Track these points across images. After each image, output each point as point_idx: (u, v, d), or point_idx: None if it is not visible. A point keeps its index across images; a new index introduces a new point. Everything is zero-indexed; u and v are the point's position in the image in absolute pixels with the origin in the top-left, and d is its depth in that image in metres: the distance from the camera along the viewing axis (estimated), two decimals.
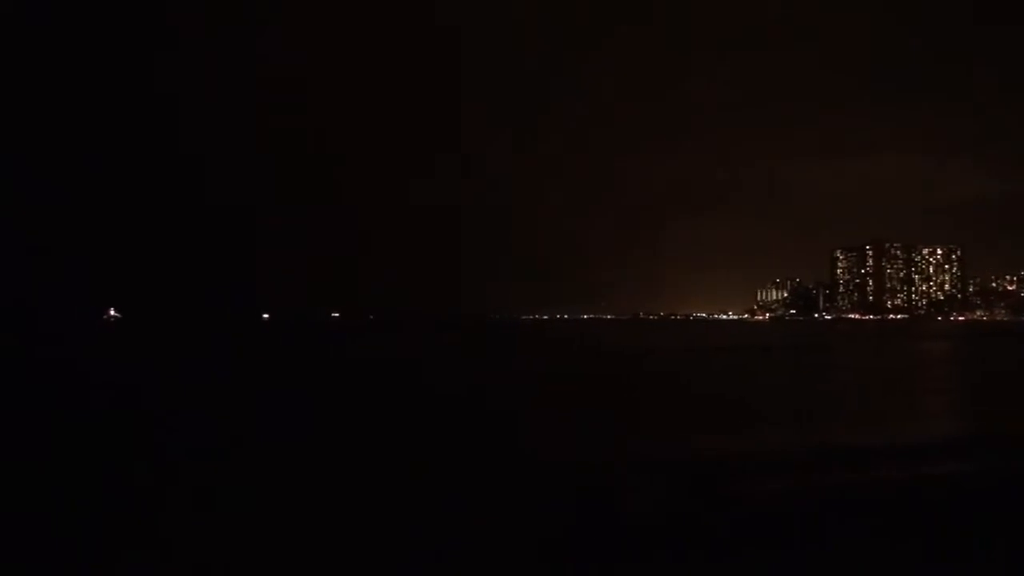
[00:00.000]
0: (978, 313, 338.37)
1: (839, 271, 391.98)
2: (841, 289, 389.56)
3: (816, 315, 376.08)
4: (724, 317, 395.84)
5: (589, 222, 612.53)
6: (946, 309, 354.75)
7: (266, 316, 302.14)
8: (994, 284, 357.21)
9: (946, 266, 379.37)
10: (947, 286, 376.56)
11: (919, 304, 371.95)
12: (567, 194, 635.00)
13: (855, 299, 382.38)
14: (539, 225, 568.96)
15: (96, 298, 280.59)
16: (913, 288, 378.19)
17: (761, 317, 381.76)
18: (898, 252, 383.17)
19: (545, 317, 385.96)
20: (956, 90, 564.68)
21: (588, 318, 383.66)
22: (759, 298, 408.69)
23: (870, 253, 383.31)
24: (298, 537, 11.57)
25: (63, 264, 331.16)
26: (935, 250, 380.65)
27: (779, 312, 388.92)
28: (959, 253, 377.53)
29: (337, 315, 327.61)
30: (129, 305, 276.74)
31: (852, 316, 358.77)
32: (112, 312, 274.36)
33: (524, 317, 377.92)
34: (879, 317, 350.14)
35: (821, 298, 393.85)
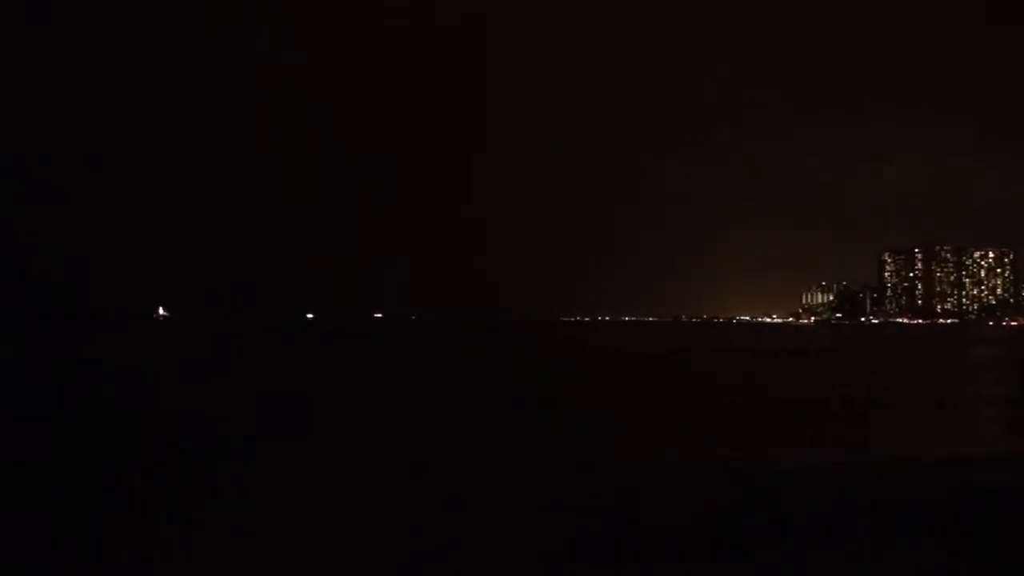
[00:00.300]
0: None
1: (887, 274, 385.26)
2: (889, 293, 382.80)
3: (863, 319, 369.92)
4: (768, 321, 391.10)
5: (631, 224, 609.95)
6: (998, 314, 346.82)
7: (310, 316, 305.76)
8: None
9: (998, 269, 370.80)
10: (999, 290, 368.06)
11: (970, 308, 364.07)
12: (607, 195, 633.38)
13: (903, 303, 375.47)
14: (580, 227, 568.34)
15: (146, 298, 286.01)
16: (964, 292, 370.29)
17: (806, 321, 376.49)
18: (948, 255, 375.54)
19: (586, 319, 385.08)
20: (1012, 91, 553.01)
21: (629, 320, 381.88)
22: (804, 301, 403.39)
23: (919, 256, 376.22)
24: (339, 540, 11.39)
25: (115, 264, 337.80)
26: (987, 253, 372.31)
27: (825, 316, 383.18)
28: (1012, 256, 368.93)
29: (379, 316, 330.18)
30: (178, 305, 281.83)
31: (900, 320, 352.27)
32: (161, 311, 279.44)
33: (564, 319, 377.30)
34: (928, 322, 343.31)
35: (868, 302, 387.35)
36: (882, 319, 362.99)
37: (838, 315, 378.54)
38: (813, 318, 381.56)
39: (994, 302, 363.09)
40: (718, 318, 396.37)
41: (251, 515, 12.94)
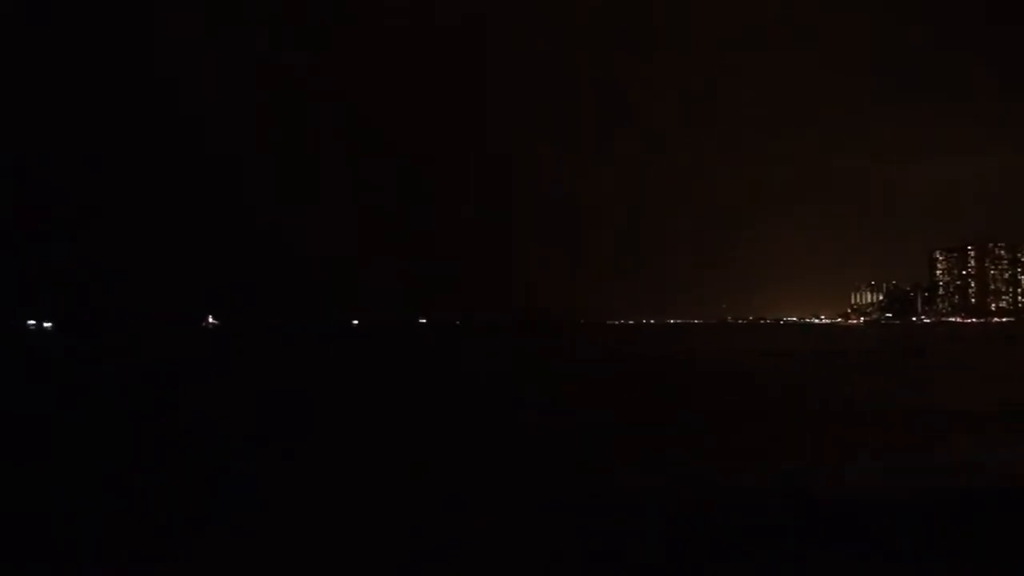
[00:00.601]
0: None
1: (938, 272, 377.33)
2: (941, 291, 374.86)
3: (914, 318, 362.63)
4: (816, 321, 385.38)
5: (676, 226, 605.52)
6: None
7: (355, 322, 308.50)
8: None
9: None
10: None
11: None
12: (651, 195, 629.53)
13: (956, 301, 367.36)
14: (624, 230, 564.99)
15: (196, 306, 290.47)
16: (1019, 289, 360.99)
17: (855, 321, 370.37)
18: (1002, 252, 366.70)
19: (631, 322, 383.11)
20: None
21: (674, 323, 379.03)
22: (853, 301, 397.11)
23: (972, 253, 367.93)
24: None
25: (167, 272, 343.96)
26: None
27: (874, 316, 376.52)
28: None
29: (424, 321, 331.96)
30: (228, 312, 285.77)
31: (953, 319, 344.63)
32: (210, 319, 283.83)
33: (610, 322, 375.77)
34: (982, 320, 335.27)
35: (919, 301, 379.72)
36: (934, 318, 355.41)
37: (888, 315, 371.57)
38: (862, 318, 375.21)
39: None
40: (765, 319, 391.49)
41: (280, 520, 13.07)
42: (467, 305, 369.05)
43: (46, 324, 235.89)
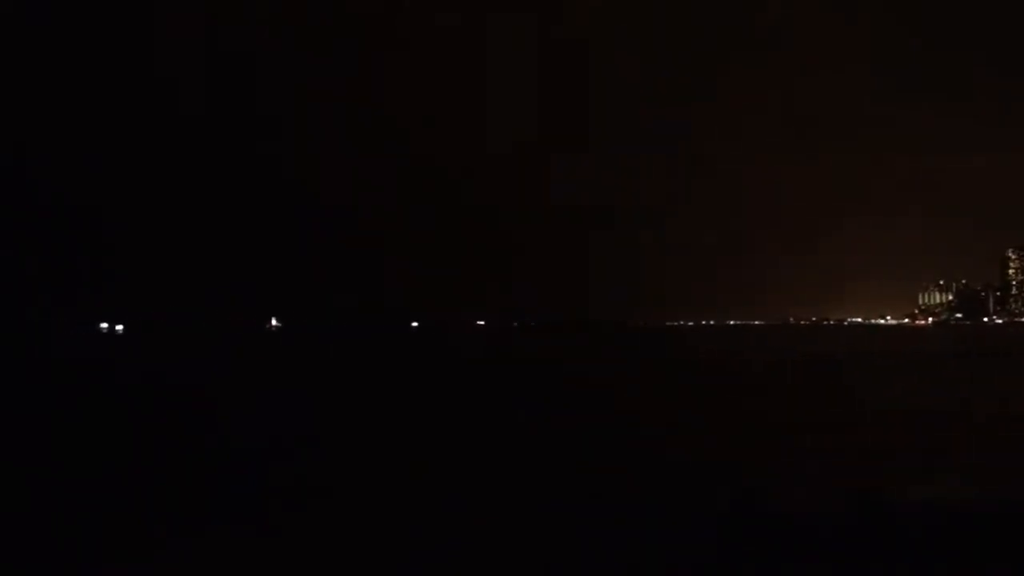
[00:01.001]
0: None
1: (1011, 271, 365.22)
2: (1014, 291, 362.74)
3: (985, 319, 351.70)
4: (882, 322, 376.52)
5: (737, 226, 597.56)
6: None
7: (415, 324, 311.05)
8: None
9: None
10: None
11: None
12: (714, 197, 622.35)
13: None
14: (686, 230, 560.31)
15: (260, 309, 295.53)
16: None
17: (923, 322, 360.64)
18: None
19: (691, 324, 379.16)
20: None
21: (735, 324, 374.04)
22: (920, 301, 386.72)
23: None
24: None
25: (232, 275, 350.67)
26: None
27: (943, 316, 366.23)
28: None
29: (483, 323, 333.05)
30: (291, 315, 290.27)
31: None
32: (274, 322, 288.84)
33: (669, 323, 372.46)
34: None
35: (991, 301, 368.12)
36: (1006, 319, 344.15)
37: (958, 315, 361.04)
38: (931, 319, 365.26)
39: None
40: (829, 320, 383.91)
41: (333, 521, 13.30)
42: (522, 307, 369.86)
43: (118, 327, 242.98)
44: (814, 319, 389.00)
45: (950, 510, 13.08)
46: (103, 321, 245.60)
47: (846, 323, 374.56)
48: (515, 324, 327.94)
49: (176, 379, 50.15)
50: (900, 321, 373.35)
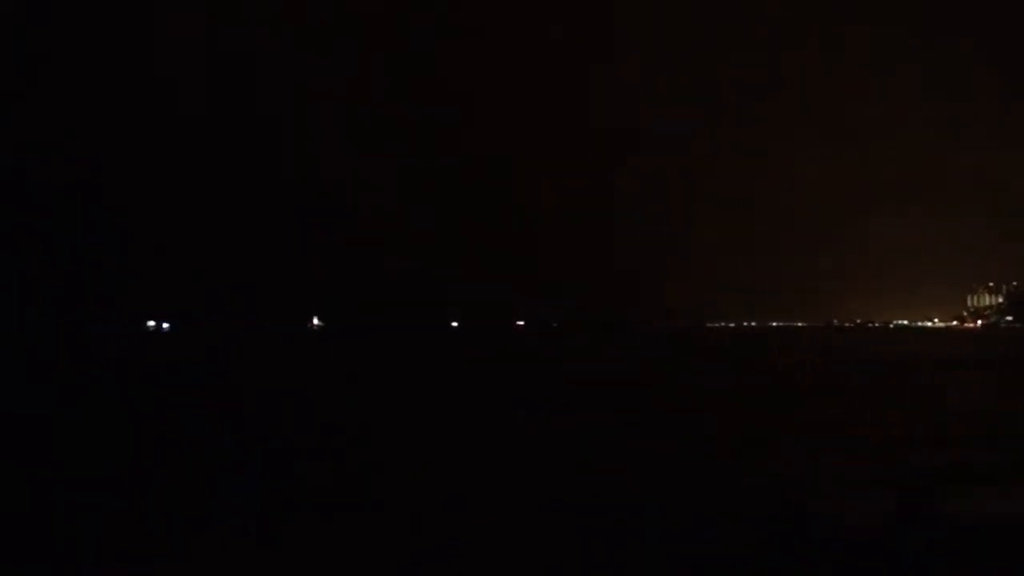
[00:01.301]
0: None
1: None
2: None
3: None
4: (929, 324, 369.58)
5: (777, 224, 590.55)
6: None
7: (455, 324, 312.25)
8: None
9: None
10: None
11: None
12: (751, 194, 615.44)
13: None
14: (723, 228, 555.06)
15: (302, 309, 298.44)
16: None
17: (971, 325, 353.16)
18: None
19: (732, 325, 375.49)
20: None
21: (777, 326, 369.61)
22: (969, 303, 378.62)
23: None
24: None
25: (274, 276, 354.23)
26: None
27: (993, 319, 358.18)
28: None
29: (522, 323, 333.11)
30: (333, 315, 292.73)
31: None
32: (316, 321, 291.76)
33: (710, 325, 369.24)
34: None
35: None
36: None
37: (1008, 318, 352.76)
38: (980, 321, 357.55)
39: None
40: (874, 323, 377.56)
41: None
42: (562, 308, 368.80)
43: (164, 325, 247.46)
44: (858, 321, 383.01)
45: (1001, 521, 12.87)
46: (150, 319, 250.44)
47: (892, 325, 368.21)
48: (555, 325, 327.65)
49: (219, 375, 50.94)
50: (948, 324, 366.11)
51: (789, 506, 13.70)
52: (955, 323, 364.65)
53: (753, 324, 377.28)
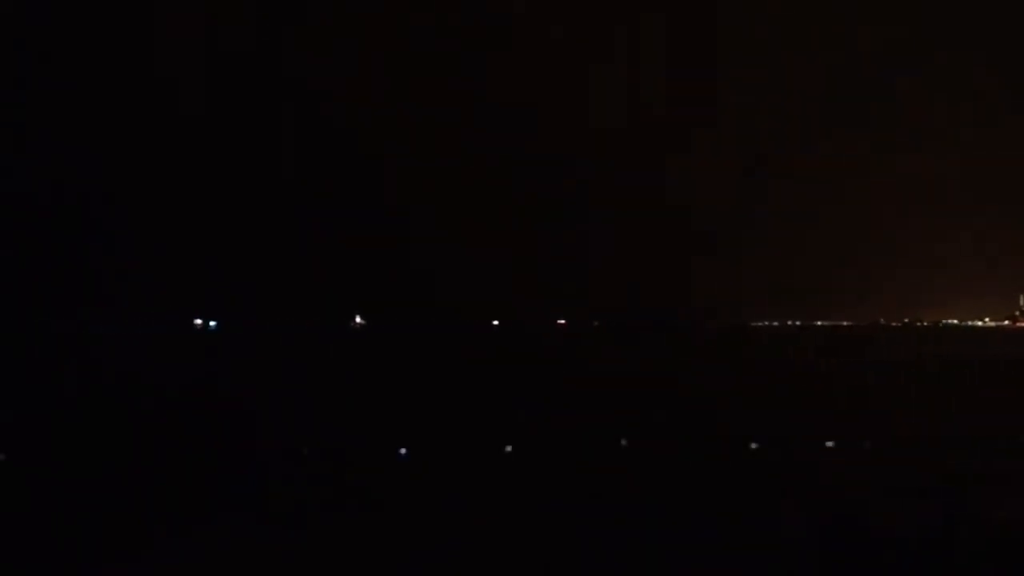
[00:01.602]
0: None
1: None
2: None
3: None
4: (980, 324, 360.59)
5: (821, 220, 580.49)
6: None
7: (495, 323, 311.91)
8: None
9: None
10: None
11: None
12: (791, 190, 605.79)
13: None
14: (767, 227, 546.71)
15: (345, 306, 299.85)
16: None
17: (1023, 324, 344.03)
18: None
19: (775, 324, 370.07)
20: None
21: (822, 324, 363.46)
22: (1022, 303, 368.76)
23: None
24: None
25: (316, 274, 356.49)
26: None
27: None
28: None
29: (563, 322, 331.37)
30: (375, 313, 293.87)
31: None
32: (358, 319, 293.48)
33: (754, 324, 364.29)
34: None
35: None
36: None
37: None
38: None
39: None
40: (922, 321, 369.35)
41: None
42: (604, 306, 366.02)
43: (211, 323, 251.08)
44: (906, 320, 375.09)
45: None
46: (197, 318, 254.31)
47: (940, 325, 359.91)
48: (595, 324, 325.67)
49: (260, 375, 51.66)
50: (1000, 323, 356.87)
51: (844, 516, 13.65)
52: (1007, 322, 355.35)
53: (798, 323, 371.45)
